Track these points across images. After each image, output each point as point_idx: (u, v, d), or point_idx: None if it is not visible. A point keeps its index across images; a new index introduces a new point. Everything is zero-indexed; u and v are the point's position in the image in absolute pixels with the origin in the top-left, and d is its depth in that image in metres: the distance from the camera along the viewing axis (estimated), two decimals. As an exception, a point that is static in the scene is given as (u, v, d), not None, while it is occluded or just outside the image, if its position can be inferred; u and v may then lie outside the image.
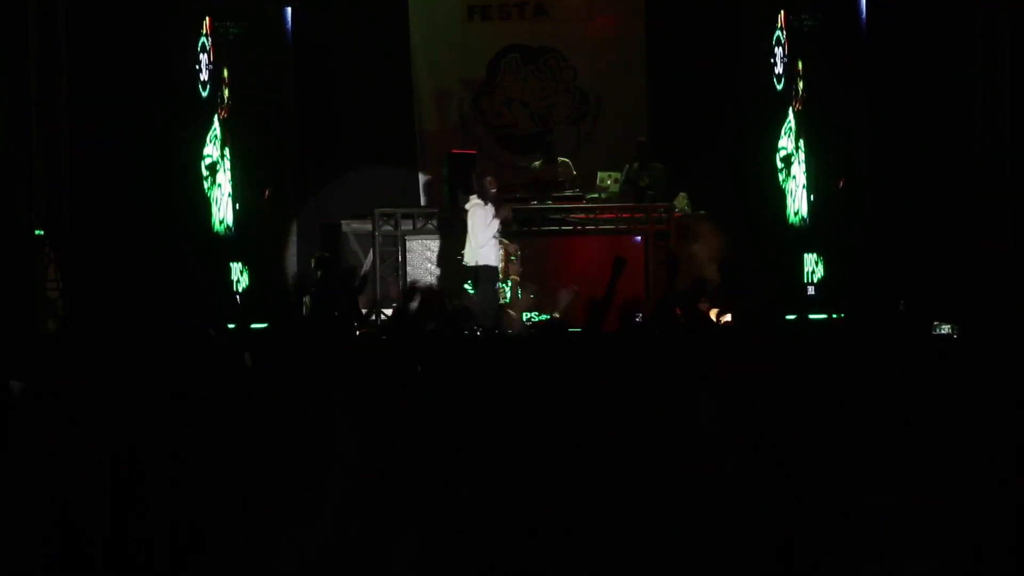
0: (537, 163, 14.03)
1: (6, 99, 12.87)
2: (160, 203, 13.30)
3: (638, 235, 13.09)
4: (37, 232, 12.74)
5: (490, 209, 12.20)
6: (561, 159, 14.02)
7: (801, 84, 14.17)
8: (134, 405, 4.59)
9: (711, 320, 10.42)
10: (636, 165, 13.65)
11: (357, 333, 9.39)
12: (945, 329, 10.51)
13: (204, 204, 13.84)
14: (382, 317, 12.39)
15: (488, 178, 12.47)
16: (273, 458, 4.03)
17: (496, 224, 12.21)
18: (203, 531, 3.96)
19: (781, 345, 6.46)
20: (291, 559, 3.67)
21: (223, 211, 14.05)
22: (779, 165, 14.37)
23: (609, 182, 13.43)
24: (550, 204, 13.35)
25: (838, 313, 11.49)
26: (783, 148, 14.34)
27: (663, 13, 14.68)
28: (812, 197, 14.15)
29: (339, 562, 3.67)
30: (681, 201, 13.42)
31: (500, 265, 12.40)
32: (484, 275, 12.22)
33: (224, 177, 14.05)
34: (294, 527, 3.72)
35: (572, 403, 4.56)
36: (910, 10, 13.66)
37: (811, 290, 14.10)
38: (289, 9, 14.47)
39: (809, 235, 14.19)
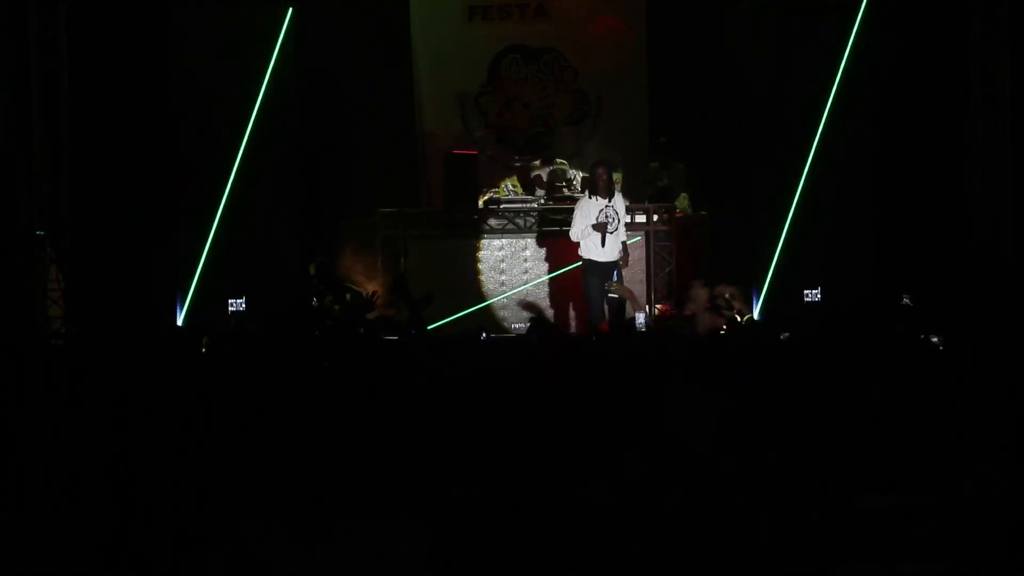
0: (537, 162, 14.05)
1: (6, 99, 12.87)
2: (160, 203, 13.31)
3: (638, 235, 13.10)
4: (37, 232, 12.75)
5: (591, 202, 11.86)
6: (558, 160, 14.03)
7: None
8: (134, 404, 4.59)
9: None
10: (656, 165, 13.66)
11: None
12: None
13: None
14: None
15: (598, 170, 11.95)
16: (269, 457, 4.03)
17: (590, 217, 11.75)
18: (199, 529, 3.96)
19: (781, 345, 6.47)
20: (286, 559, 3.67)
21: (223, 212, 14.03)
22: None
23: (685, 203, 13.37)
24: (550, 204, 13.35)
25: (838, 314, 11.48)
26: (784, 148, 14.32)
27: (664, 13, 14.68)
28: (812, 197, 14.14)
29: (336, 562, 3.67)
30: (682, 202, 13.44)
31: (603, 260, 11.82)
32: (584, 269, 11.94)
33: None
34: (290, 527, 3.72)
35: (570, 402, 4.56)
36: (910, 11, 13.66)
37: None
38: (290, 9, 14.47)
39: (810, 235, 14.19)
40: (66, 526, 4.07)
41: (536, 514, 3.87)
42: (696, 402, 4.43)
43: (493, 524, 3.83)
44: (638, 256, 13.10)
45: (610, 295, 11.51)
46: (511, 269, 13.34)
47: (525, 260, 13.34)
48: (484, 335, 10.40)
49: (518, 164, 14.37)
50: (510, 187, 14.40)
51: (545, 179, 13.74)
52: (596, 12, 14.97)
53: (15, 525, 4.05)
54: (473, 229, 13.40)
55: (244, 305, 13.67)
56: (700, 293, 10.89)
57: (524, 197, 13.61)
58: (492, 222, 13.38)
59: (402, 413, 4.40)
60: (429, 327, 10.48)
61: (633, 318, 11.71)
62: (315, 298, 11.46)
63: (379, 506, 3.79)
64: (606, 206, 11.75)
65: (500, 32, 15.00)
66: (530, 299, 13.26)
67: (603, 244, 11.72)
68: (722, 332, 10.48)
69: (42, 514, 4.10)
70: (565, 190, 13.56)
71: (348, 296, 11.30)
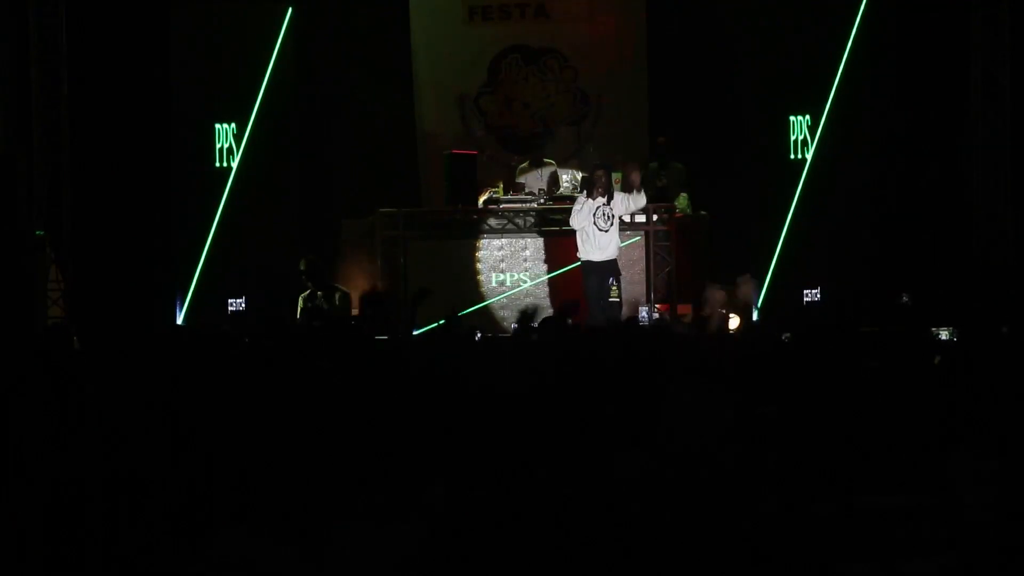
0: (524, 164, 14.05)
1: (6, 99, 12.88)
2: (160, 203, 13.33)
3: (638, 235, 13.08)
4: (38, 232, 12.75)
5: (587, 202, 12.03)
6: (546, 160, 14.00)
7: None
8: (136, 406, 4.59)
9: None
10: (655, 165, 13.66)
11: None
12: (944, 335, 10.47)
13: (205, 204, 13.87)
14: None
15: (597, 172, 12.15)
16: (264, 459, 4.03)
17: (584, 217, 11.97)
18: (193, 532, 3.96)
19: (782, 345, 6.46)
20: (281, 561, 3.66)
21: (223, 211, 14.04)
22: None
23: (685, 203, 13.37)
24: (550, 204, 13.35)
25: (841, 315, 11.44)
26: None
27: (663, 13, 14.67)
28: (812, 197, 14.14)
29: (331, 564, 3.66)
30: (682, 201, 13.41)
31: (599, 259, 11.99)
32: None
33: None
34: (285, 529, 3.72)
35: (564, 400, 4.55)
36: (910, 11, 13.66)
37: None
38: (290, 9, 14.47)
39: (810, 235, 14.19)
40: (59, 529, 4.07)
41: (532, 515, 3.87)
42: (699, 401, 4.43)
43: (487, 525, 3.83)
44: (638, 256, 13.09)
45: (610, 300, 11.56)
46: (511, 269, 13.33)
47: (525, 260, 13.32)
48: (478, 335, 10.33)
49: (516, 164, 14.36)
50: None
51: (543, 184, 13.71)
52: (596, 12, 14.95)
53: (8, 527, 4.05)
54: (473, 229, 13.40)
55: (244, 305, 13.68)
56: (717, 295, 10.92)
57: (523, 197, 13.60)
58: (492, 222, 13.37)
59: (396, 413, 4.40)
60: (427, 327, 10.46)
61: (634, 316, 11.74)
62: (303, 296, 11.46)
63: (374, 507, 3.79)
64: (603, 205, 11.94)
65: (500, 32, 14.99)
66: (528, 300, 13.25)
67: (597, 242, 11.90)
68: (730, 332, 10.52)
69: (36, 517, 4.09)
70: (556, 189, 13.53)
71: (337, 296, 11.31)
